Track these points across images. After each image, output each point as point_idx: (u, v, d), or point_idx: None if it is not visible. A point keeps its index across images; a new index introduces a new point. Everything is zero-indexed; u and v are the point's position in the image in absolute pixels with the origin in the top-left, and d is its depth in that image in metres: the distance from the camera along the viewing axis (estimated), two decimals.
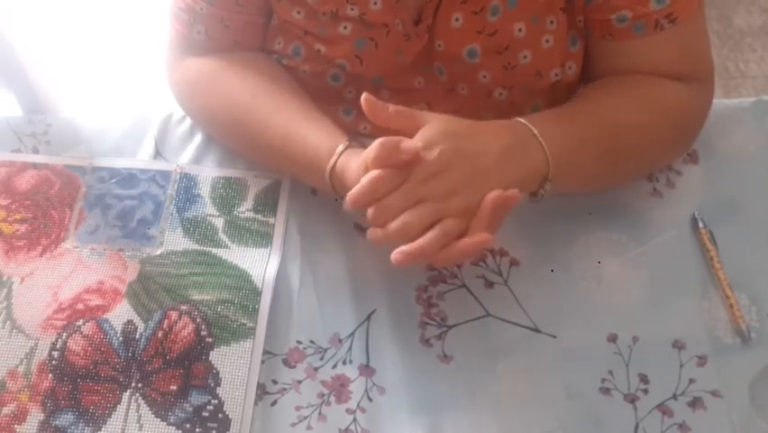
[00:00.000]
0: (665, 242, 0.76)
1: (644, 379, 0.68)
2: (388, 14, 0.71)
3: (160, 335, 0.69)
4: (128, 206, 0.78)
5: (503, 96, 0.77)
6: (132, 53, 1.75)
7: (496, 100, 0.78)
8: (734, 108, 0.84)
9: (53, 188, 0.79)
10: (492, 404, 0.67)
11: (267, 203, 0.78)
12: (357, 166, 0.64)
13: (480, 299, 0.72)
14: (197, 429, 0.65)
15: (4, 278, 0.73)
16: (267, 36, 0.78)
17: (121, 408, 0.66)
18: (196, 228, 0.76)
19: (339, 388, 0.68)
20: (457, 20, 0.71)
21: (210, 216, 0.77)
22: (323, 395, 0.68)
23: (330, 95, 0.79)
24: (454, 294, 0.73)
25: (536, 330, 0.71)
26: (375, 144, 0.61)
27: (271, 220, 0.77)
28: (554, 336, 0.70)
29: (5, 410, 0.66)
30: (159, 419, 0.65)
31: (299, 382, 0.68)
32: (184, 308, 0.70)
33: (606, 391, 0.68)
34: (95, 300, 0.71)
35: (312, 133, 0.71)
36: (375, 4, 0.71)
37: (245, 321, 0.70)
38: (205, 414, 0.66)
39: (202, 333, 0.69)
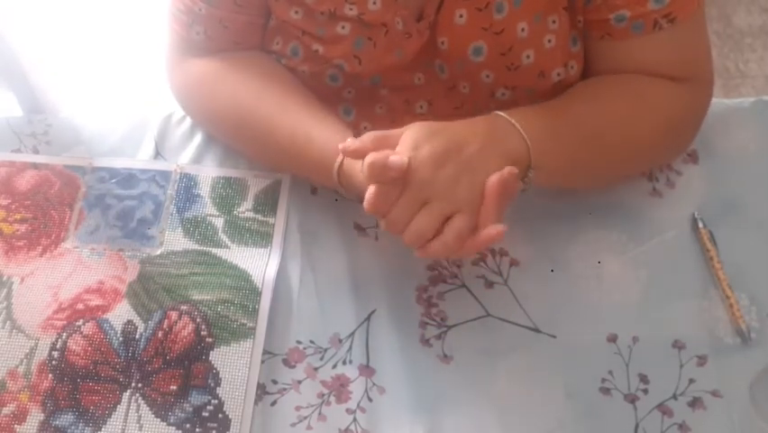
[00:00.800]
0: (665, 242, 0.76)
1: (644, 379, 0.68)
2: (387, 14, 0.71)
3: (160, 335, 0.69)
4: (128, 206, 0.78)
5: (506, 96, 0.77)
6: (132, 53, 1.75)
7: (498, 100, 0.78)
8: (734, 108, 0.84)
9: (53, 189, 0.79)
10: (492, 404, 0.67)
11: (267, 203, 0.78)
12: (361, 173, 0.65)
13: (479, 299, 0.72)
14: (197, 429, 0.65)
15: (4, 278, 0.73)
16: (265, 36, 0.78)
17: (121, 408, 0.66)
18: (196, 228, 0.76)
19: (339, 388, 0.68)
20: (461, 16, 0.71)
21: (210, 215, 0.77)
22: (323, 395, 0.68)
23: (329, 95, 0.79)
24: (454, 294, 0.73)
25: (536, 330, 0.71)
26: (365, 165, 0.61)
27: (271, 220, 0.77)
28: (554, 336, 0.70)
29: (5, 410, 0.66)
30: (159, 419, 0.65)
31: (299, 382, 0.68)
32: (184, 308, 0.70)
33: (606, 391, 0.68)
34: (95, 300, 0.71)
35: (318, 132, 0.71)
36: (374, 3, 0.71)
37: (245, 321, 0.70)
38: (205, 414, 0.66)
39: (202, 333, 0.69)
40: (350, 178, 0.67)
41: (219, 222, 0.77)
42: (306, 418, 0.67)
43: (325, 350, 0.70)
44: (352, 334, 0.71)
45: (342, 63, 0.75)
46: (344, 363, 0.69)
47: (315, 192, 0.79)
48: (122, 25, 1.82)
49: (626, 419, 0.66)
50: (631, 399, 0.67)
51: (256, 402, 0.67)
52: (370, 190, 0.62)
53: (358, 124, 0.82)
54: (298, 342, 0.70)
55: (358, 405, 0.67)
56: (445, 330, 0.71)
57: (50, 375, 0.67)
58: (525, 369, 0.69)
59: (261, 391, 0.68)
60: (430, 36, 0.73)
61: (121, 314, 0.70)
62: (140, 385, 0.67)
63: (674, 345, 0.70)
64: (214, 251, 0.75)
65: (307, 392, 0.68)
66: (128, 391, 0.67)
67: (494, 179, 0.62)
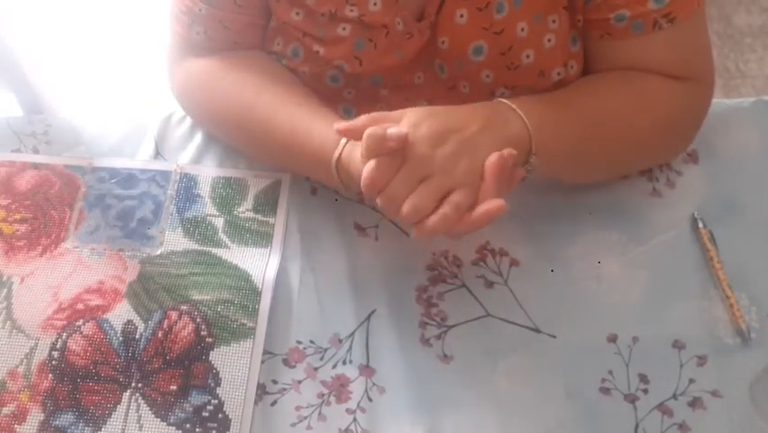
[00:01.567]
0: (665, 242, 0.76)
1: (644, 379, 0.68)
2: (387, 14, 0.71)
3: (160, 335, 0.69)
4: (128, 206, 0.78)
5: (505, 96, 0.77)
6: (132, 54, 1.75)
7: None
8: (734, 108, 0.84)
9: (53, 189, 0.79)
10: (492, 404, 0.67)
11: (267, 203, 0.78)
12: (360, 155, 0.64)
13: (479, 299, 0.72)
14: (197, 429, 0.65)
15: (4, 278, 0.73)
16: (266, 37, 0.78)
17: (121, 408, 0.66)
18: (196, 228, 0.76)
19: (339, 388, 0.68)
20: (462, 16, 0.71)
21: (210, 215, 0.77)
22: (323, 395, 0.68)
23: (329, 95, 0.79)
24: (454, 294, 0.73)
25: (536, 330, 0.71)
26: (363, 137, 0.61)
27: (271, 220, 0.77)
28: (554, 336, 0.70)
29: (5, 410, 0.66)
30: (159, 419, 0.65)
31: (299, 382, 0.68)
32: (184, 308, 0.70)
33: (606, 391, 0.68)
34: (95, 300, 0.71)
35: (317, 126, 0.71)
36: (375, 4, 0.71)
37: (245, 321, 0.70)
38: (205, 414, 0.66)
39: (202, 333, 0.69)
40: (348, 168, 0.67)
41: (219, 222, 0.77)
42: (306, 418, 0.67)
43: (325, 350, 0.70)
44: (352, 334, 0.71)
45: (343, 64, 0.75)
46: (344, 363, 0.69)
47: (315, 192, 0.79)
48: (122, 26, 1.82)
49: (626, 419, 0.66)
50: (631, 399, 0.67)
51: (256, 402, 0.67)
52: (369, 165, 0.61)
53: None
54: (298, 342, 0.70)
55: (358, 405, 0.67)
56: (445, 330, 0.71)
57: (50, 375, 0.67)
58: (525, 369, 0.69)
59: (261, 391, 0.68)
60: (430, 36, 0.73)
61: (121, 314, 0.70)
62: (140, 385, 0.67)
63: (674, 345, 0.70)
64: (214, 251, 0.75)
65: (307, 392, 0.68)
66: (128, 391, 0.67)
67: (493, 158, 0.62)
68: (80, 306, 0.71)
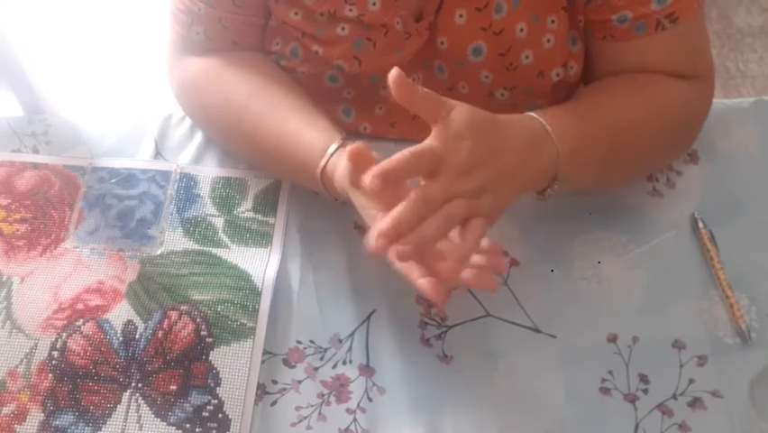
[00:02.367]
0: (665, 242, 0.76)
1: (644, 379, 0.68)
2: (387, 14, 0.71)
3: (160, 335, 0.69)
4: (128, 206, 0.78)
5: (505, 96, 0.77)
6: (132, 54, 1.75)
7: (498, 100, 0.78)
8: (734, 108, 0.85)
9: (53, 189, 0.79)
10: (492, 404, 0.67)
11: (267, 203, 0.78)
12: (342, 169, 0.64)
13: (479, 299, 0.72)
14: (197, 429, 0.65)
15: (4, 278, 0.73)
16: (265, 37, 0.78)
17: (121, 408, 0.66)
18: (196, 228, 0.76)
19: (339, 388, 0.68)
20: (461, 16, 0.71)
21: (210, 215, 0.77)
22: (323, 395, 0.68)
23: (329, 95, 0.79)
24: (454, 294, 0.73)
25: (536, 330, 0.71)
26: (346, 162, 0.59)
27: (271, 220, 0.77)
28: (554, 336, 0.70)
29: (5, 410, 0.66)
30: (159, 419, 0.65)
31: (299, 381, 0.68)
32: (184, 308, 0.70)
33: (606, 391, 0.68)
34: (95, 300, 0.71)
35: (305, 133, 0.70)
36: (374, 4, 0.71)
37: (245, 321, 0.70)
38: (205, 414, 0.66)
39: (202, 333, 0.69)
40: (332, 179, 0.66)
41: (219, 222, 0.77)
42: (306, 418, 0.67)
43: (325, 350, 0.70)
44: (352, 334, 0.71)
45: (342, 64, 0.75)
46: (344, 363, 0.69)
47: (315, 192, 0.79)
48: (122, 25, 1.82)
49: (626, 419, 0.66)
50: (631, 399, 0.67)
51: (256, 402, 0.67)
52: (385, 220, 0.56)
53: (358, 125, 0.82)
54: (298, 342, 0.70)
55: (358, 405, 0.67)
56: (445, 330, 0.71)
57: (50, 375, 0.67)
58: (525, 369, 0.69)
59: (261, 391, 0.68)
60: (429, 36, 0.73)
61: (121, 314, 0.70)
62: (140, 385, 0.67)
63: (674, 345, 0.70)
64: (214, 251, 0.75)
65: (307, 392, 0.68)
66: (128, 391, 0.67)
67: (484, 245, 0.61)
68: (80, 306, 0.71)
